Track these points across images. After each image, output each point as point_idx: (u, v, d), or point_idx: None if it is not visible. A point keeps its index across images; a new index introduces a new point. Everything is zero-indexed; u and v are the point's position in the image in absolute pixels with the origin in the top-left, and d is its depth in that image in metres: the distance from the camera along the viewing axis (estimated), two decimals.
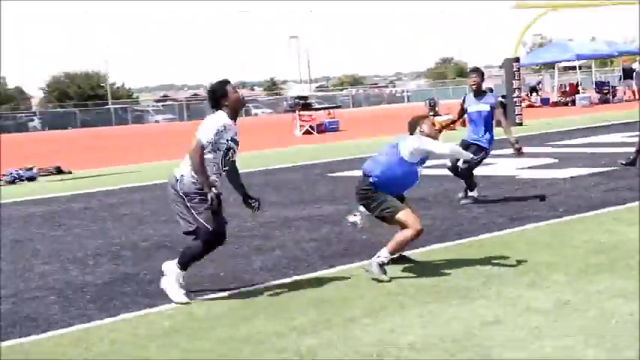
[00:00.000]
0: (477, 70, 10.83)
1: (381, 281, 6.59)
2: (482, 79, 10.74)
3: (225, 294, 6.61)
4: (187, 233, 6.61)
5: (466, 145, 10.35)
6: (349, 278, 6.86)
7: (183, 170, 6.49)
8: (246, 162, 19.33)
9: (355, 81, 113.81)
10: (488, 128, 10.54)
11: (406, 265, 7.20)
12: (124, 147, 30.61)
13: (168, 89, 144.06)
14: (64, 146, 33.57)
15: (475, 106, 10.60)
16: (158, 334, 5.60)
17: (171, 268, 6.57)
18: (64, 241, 9.62)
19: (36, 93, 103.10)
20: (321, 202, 11.71)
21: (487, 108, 10.51)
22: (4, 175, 17.90)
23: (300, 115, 31.88)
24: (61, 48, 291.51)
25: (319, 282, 6.80)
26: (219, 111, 6.57)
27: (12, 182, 17.46)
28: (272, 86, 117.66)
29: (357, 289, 6.45)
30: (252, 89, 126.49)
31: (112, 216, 11.51)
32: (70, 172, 18.86)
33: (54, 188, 15.53)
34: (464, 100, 10.89)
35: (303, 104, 34.40)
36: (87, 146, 33.04)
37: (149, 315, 6.13)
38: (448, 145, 7.27)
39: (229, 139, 6.50)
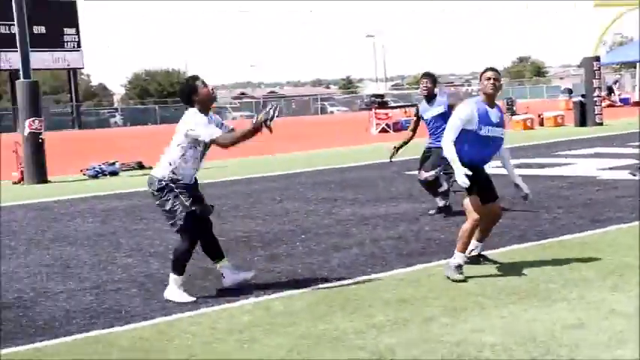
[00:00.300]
0: (428, 75, 10.28)
1: (458, 282, 6.54)
2: (435, 85, 10.26)
3: (303, 290, 6.64)
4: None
5: (426, 155, 10.15)
6: (427, 277, 6.82)
7: (157, 173, 6.62)
8: (323, 160, 19.43)
9: None
10: None
11: (486, 265, 7.12)
12: None
13: (245, 87, 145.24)
14: (144, 142, 34.18)
15: (430, 112, 10.18)
16: (237, 328, 5.66)
17: (170, 279, 6.65)
18: (146, 235, 9.79)
19: (118, 90, 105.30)
20: (397, 200, 11.68)
21: (442, 109, 10.01)
22: (87, 169, 18.31)
23: (376, 114, 31.83)
24: (143, 46, 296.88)
25: (397, 280, 6.78)
26: (192, 108, 6.61)
27: (95, 177, 17.87)
28: (348, 84, 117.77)
29: (436, 288, 6.41)
30: (328, 87, 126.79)
31: None
32: (151, 168, 19.15)
33: (135, 183, 15.81)
34: (417, 110, 10.51)
35: (380, 102, 34.34)
36: (166, 142, 33.55)
37: (228, 309, 6.20)
38: None
39: None
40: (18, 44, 17.34)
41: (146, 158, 20.21)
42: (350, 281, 6.89)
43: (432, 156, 9.96)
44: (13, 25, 18.15)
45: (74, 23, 57.15)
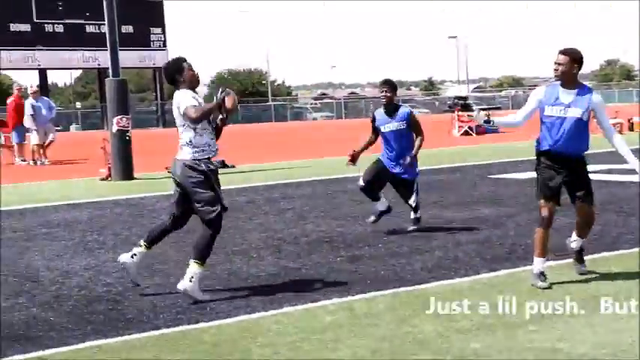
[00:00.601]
0: (387, 83, 9.44)
1: (544, 289, 6.42)
2: (395, 93, 9.43)
3: (386, 292, 6.62)
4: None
5: (395, 183, 9.54)
6: (512, 283, 6.72)
7: (186, 157, 6.75)
8: None
9: (515, 82, 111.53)
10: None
11: (574, 271, 6.98)
12: (283, 143, 31.20)
13: (326, 87, 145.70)
14: (226, 140, 34.55)
15: (389, 126, 9.33)
16: (321, 328, 5.68)
17: (190, 270, 6.65)
18: (229, 233, 9.88)
19: (201, 89, 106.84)
20: (481, 203, 11.55)
21: (403, 125, 9.30)
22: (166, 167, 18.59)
23: (459, 116, 31.56)
24: (226, 46, 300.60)
25: (481, 285, 6.70)
26: (178, 90, 6.76)
27: None
28: (429, 86, 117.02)
29: (522, 294, 6.30)
30: (409, 89, 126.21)
31: (273, 210, 11.75)
32: (234, 167, 19.39)
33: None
34: (374, 119, 9.50)
35: (462, 105, 34.05)
36: (249, 141, 33.90)
37: (312, 309, 6.22)
38: None
39: None
40: (108, 43, 17.72)
41: (228, 157, 20.39)
42: (433, 284, 6.84)
43: (405, 188, 9.49)
44: (103, 24, 18.57)
45: (161, 23, 58.19)
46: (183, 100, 6.68)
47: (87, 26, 53.21)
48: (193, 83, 6.86)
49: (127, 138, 18.02)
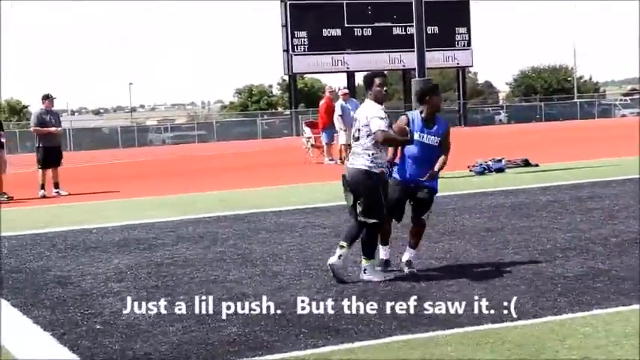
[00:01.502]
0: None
1: None
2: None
3: None
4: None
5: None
6: None
7: (363, 165, 7.27)
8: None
9: None
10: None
11: None
12: (590, 140, 30.01)
13: (637, 82, 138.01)
14: (529, 139, 33.94)
15: (426, 136, 7.69)
16: (633, 332, 5.39)
17: (365, 266, 7.38)
18: (533, 233, 9.69)
19: (503, 87, 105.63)
20: None
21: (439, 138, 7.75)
22: (474, 166, 18.58)
23: None
24: (531, 43, 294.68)
25: None
26: (368, 100, 7.47)
27: (481, 173, 18.07)
28: None
29: None
30: None
31: (580, 210, 11.34)
32: (537, 165, 18.98)
33: (522, 180, 15.76)
34: (409, 122, 7.71)
35: None
36: (553, 139, 33.01)
37: (623, 312, 5.94)
38: None
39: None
40: (415, 44, 18.02)
41: (532, 155, 20.02)
42: None
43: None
44: (411, 26, 18.90)
45: (466, 22, 58.34)
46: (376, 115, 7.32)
47: (394, 28, 54.72)
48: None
49: None
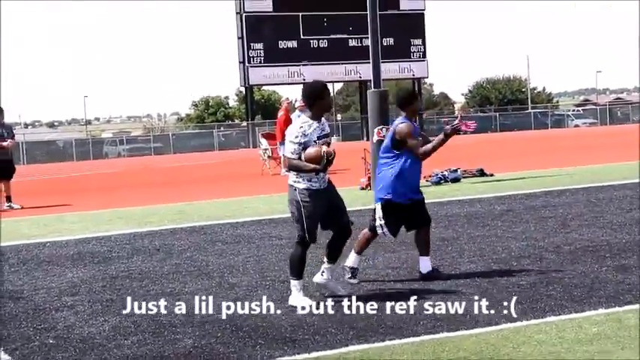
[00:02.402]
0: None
1: None
2: None
3: None
4: None
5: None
6: None
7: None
8: None
9: None
10: None
11: None
12: (543, 150, 30.37)
13: (589, 93, 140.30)
14: (485, 149, 34.26)
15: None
16: (586, 339, 5.46)
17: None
18: (488, 242, 9.77)
19: (459, 98, 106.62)
20: None
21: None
22: (430, 176, 18.70)
23: None
24: (485, 55, 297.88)
25: None
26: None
27: (437, 183, 18.19)
28: None
29: None
30: None
31: (534, 218, 11.46)
32: (492, 175, 19.15)
33: (477, 190, 15.89)
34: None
35: None
36: (507, 150, 33.36)
37: (576, 319, 6.00)
38: None
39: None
40: (371, 56, 18.11)
41: (487, 165, 20.21)
42: None
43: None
44: (366, 38, 19.00)
45: (422, 34, 58.75)
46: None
47: (350, 40, 54.94)
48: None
49: None
